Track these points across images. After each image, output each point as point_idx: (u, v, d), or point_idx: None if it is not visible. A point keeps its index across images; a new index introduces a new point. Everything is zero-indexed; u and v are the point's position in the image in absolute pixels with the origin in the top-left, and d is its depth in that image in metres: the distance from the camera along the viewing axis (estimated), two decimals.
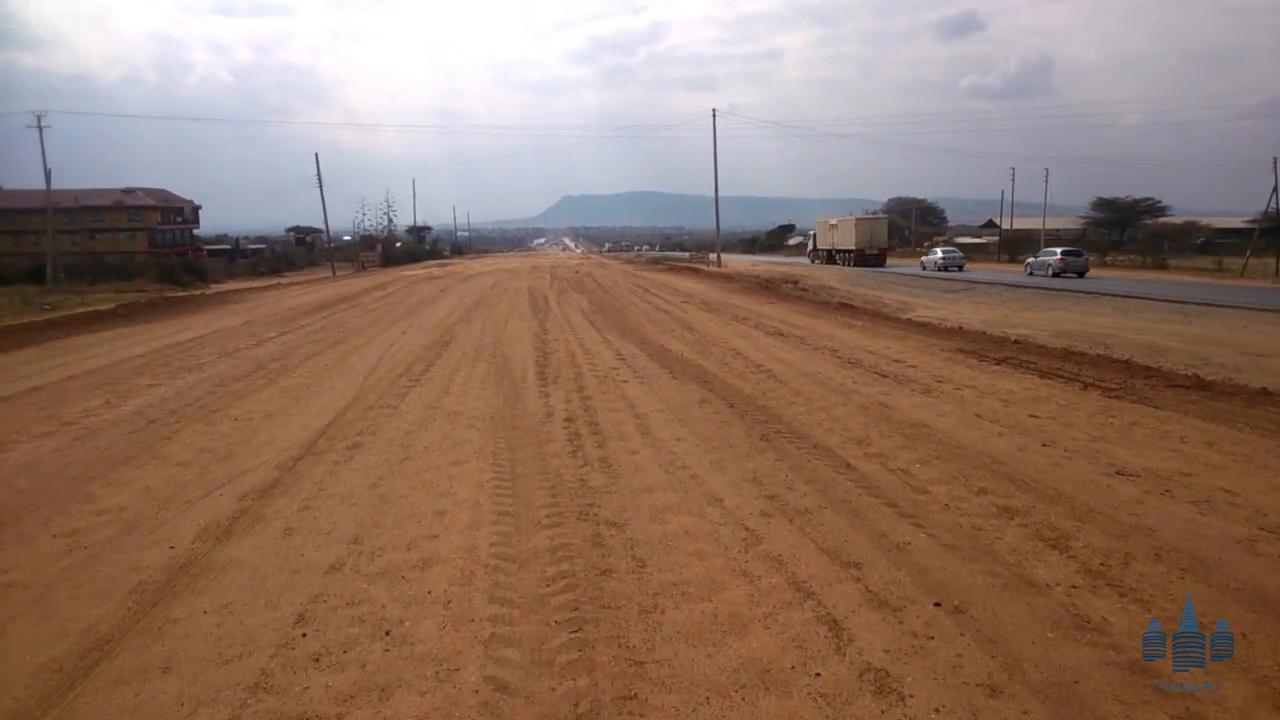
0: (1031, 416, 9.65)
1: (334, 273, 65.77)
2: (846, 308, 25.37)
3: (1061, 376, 12.32)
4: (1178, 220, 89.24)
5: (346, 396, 11.26)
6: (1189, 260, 60.63)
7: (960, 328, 19.24)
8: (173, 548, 5.77)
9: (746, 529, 5.89)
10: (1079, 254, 47.22)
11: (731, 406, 10.21)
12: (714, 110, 60.37)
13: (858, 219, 61.30)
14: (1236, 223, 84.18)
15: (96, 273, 49.82)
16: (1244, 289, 34.83)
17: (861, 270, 50.82)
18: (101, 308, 26.78)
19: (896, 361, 13.84)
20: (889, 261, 60.44)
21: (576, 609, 4.63)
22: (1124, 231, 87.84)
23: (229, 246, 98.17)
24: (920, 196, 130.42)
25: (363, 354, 15.59)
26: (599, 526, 5.96)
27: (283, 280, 54.17)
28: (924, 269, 52.90)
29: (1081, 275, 43.36)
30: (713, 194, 62.11)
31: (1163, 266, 55.13)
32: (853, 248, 58.20)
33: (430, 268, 64.71)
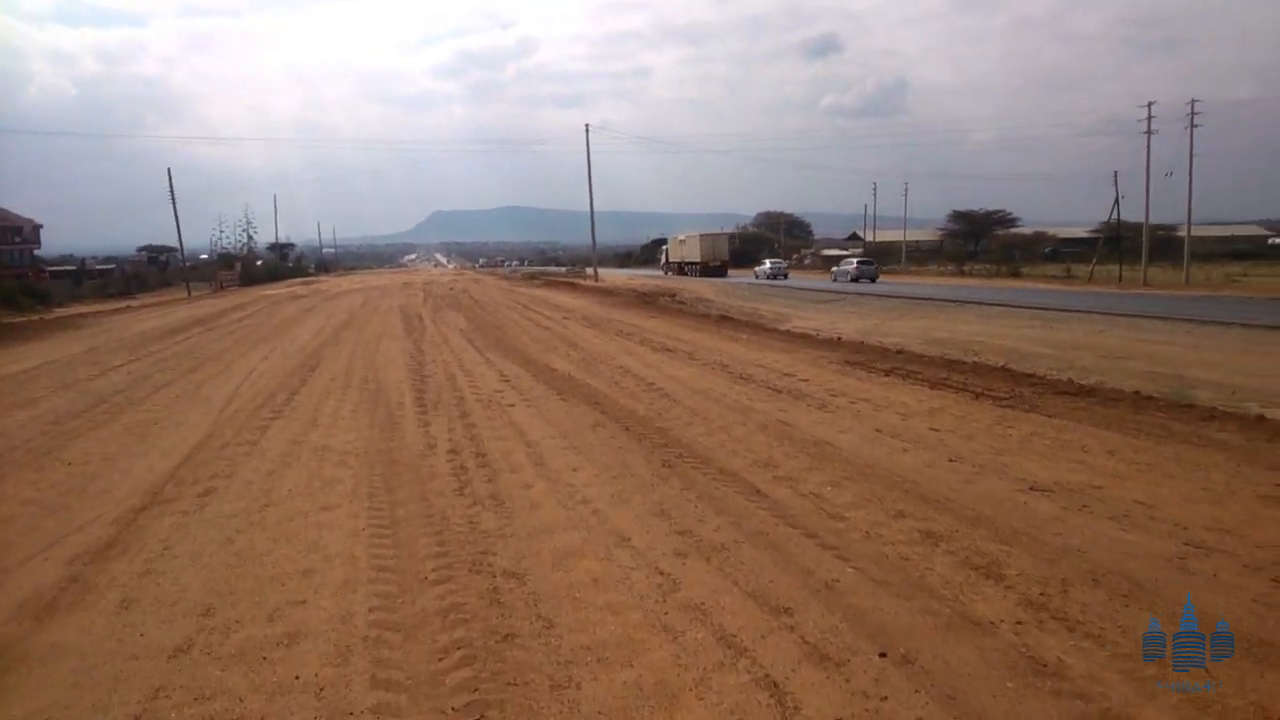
0: (932, 430, 9.46)
1: (189, 293, 62.20)
2: (727, 320, 25.31)
3: (950, 386, 12.31)
4: (1027, 231, 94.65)
5: (200, 432, 10.11)
6: (1039, 268, 64.31)
7: (839, 338, 19.35)
8: None
9: (661, 573, 5.30)
10: (870, 263, 57.17)
11: (627, 429, 9.63)
12: (587, 125, 60.25)
13: (702, 235, 68.85)
14: (1080, 232, 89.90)
15: None
16: (1092, 295, 36.99)
17: (735, 283, 52.94)
18: None
19: (788, 375, 13.59)
20: (733, 272, 66.21)
21: (476, 689, 3.91)
22: (978, 242, 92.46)
23: (75, 267, 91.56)
24: (788, 211, 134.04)
25: (219, 382, 14.28)
26: (495, 579, 5.25)
27: (133, 303, 50.70)
28: (756, 277, 59.80)
29: (873, 280, 51.64)
30: (587, 209, 61.75)
31: (1016, 275, 58.23)
32: (698, 260, 66.21)
33: (294, 286, 61.78)
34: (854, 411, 10.55)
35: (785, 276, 59.92)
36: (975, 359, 15.32)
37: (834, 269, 61.38)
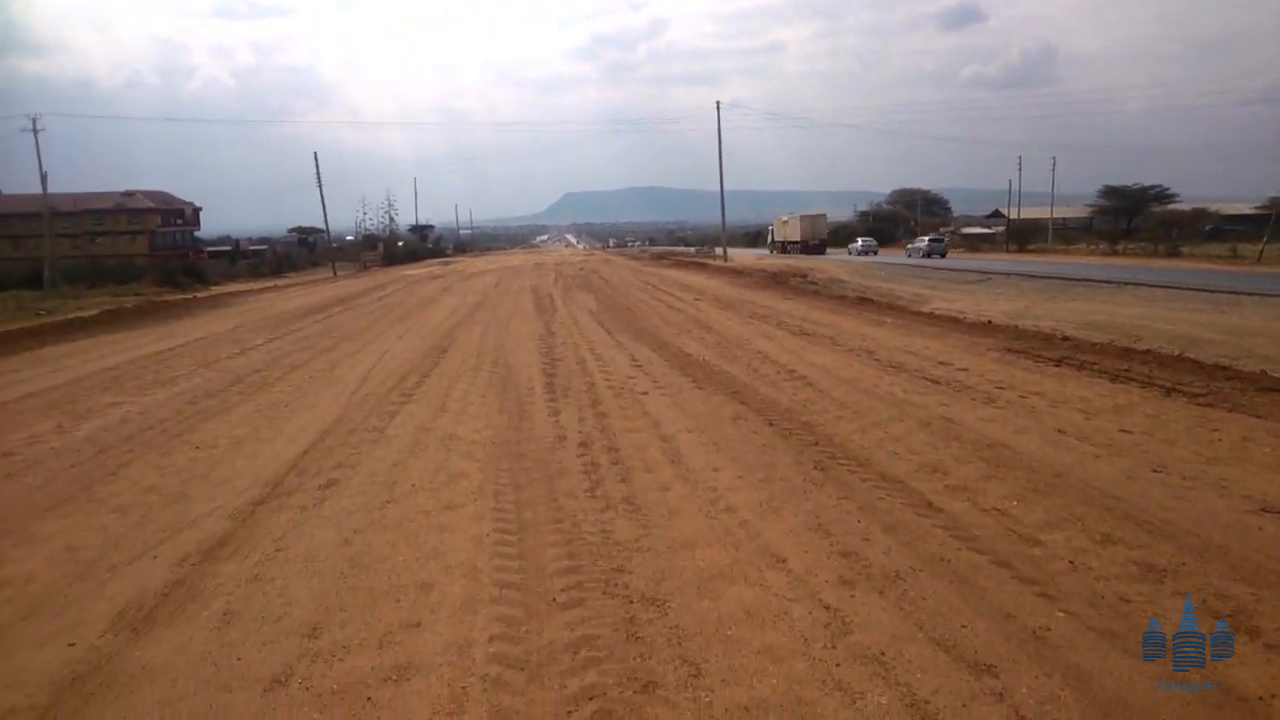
0: (1123, 432, 8.24)
1: (335, 273, 64.53)
2: (866, 302, 23.99)
3: (1133, 379, 10.91)
4: (1186, 207, 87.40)
5: (329, 416, 9.88)
6: (1200, 247, 59.15)
7: (989, 322, 17.84)
8: (72, 645, 4.38)
9: (826, 607, 4.49)
10: (940, 239, 63.86)
11: (770, 424, 8.80)
12: (718, 102, 59.08)
13: (802, 216, 74.41)
14: (1245, 209, 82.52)
15: (95, 276, 48.75)
16: (1262, 276, 33.39)
17: (868, 261, 52.74)
18: (86, 314, 25.44)
19: (943, 364, 12.42)
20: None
21: None
22: (1132, 219, 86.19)
23: (230, 248, 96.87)
24: (925, 187, 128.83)
25: (353, 363, 14.21)
26: (632, 605, 4.56)
27: (280, 282, 52.85)
28: (850, 254, 64.69)
29: (943, 256, 56.45)
30: (717, 188, 60.66)
31: (1175, 254, 53.73)
32: (799, 239, 71.11)
33: (432, 266, 63.36)
34: (1027, 408, 9.38)
35: (875, 253, 65.20)
36: (1143, 346, 13.75)
37: (908, 246, 67.02)
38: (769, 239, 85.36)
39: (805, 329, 17.04)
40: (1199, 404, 9.46)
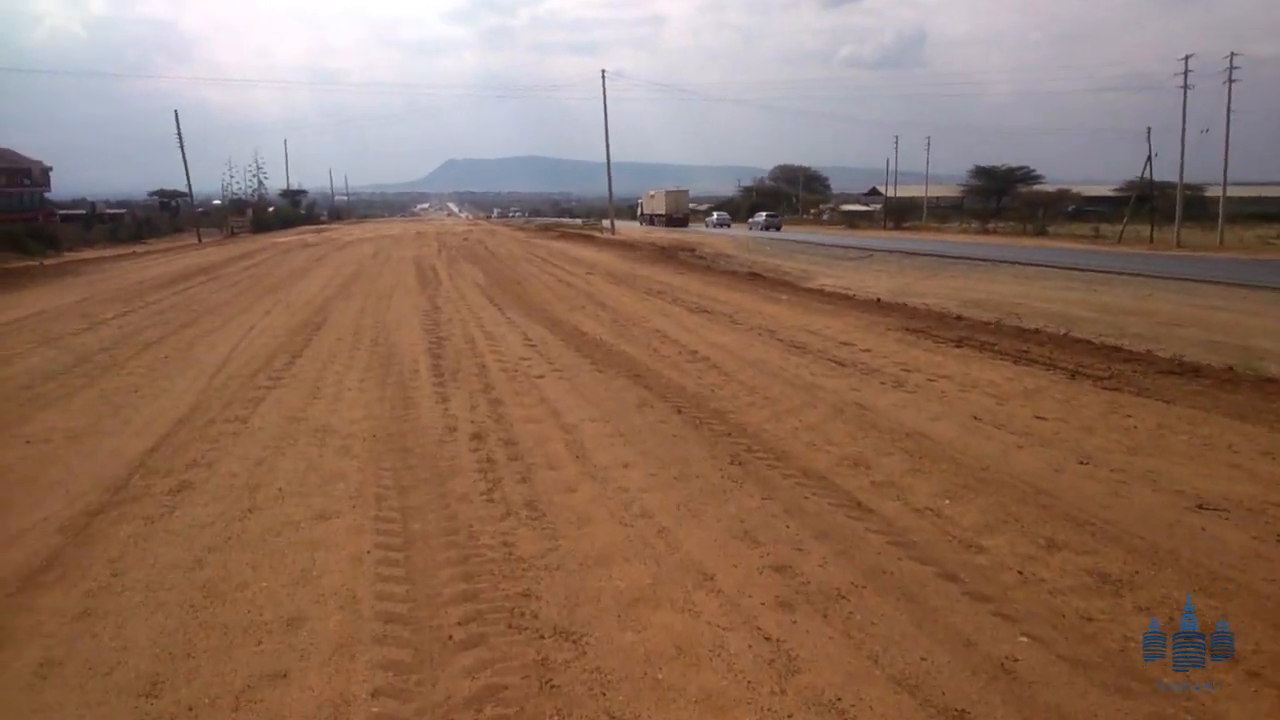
0: (1038, 418, 8.04)
1: (200, 239, 60.76)
2: (758, 278, 23.91)
3: (1036, 361, 10.87)
4: (1050, 188, 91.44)
5: (184, 404, 8.76)
6: (1065, 227, 62.04)
7: (878, 300, 17.87)
8: None
9: (767, 638, 3.92)
10: (776, 216, 73.40)
11: (679, 411, 8.23)
12: (603, 71, 58.08)
13: (667, 191, 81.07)
14: (1105, 190, 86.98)
15: None
16: (1124, 256, 35.19)
17: (757, 236, 54.20)
18: None
19: (846, 344, 12.15)
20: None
21: None
22: (1000, 199, 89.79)
23: (85, 211, 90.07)
24: (806, 164, 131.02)
25: (214, 341, 12.93)
26: (543, 642, 3.87)
27: (140, 249, 49.26)
28: (706, 226, 73.53)
29: (778, 230, 63.74)
30: (602, 159, 59.82)
31: (1042, 234, 56.11)
32: (664, 212, 76.15)
33: (305, 234, 60.37)
34: (937, 392, 9.11)
35: (728, 226, 72.90)
36: (1030, 325, 14.11)
37: (750, 221, 75.03)
38: (638, 212, 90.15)
39: (703, 305, 16.59)
40: (1105, 388, 9.40)
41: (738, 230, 66.40)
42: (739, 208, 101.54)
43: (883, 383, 9.60)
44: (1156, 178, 54.23)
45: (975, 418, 8.04)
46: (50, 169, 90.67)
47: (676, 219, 74.37)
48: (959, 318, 15.22)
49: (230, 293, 20.42)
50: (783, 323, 14.32)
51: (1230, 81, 48.12)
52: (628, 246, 39.07)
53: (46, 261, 33.99)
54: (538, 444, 7.14)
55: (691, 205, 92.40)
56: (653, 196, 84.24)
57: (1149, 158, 51.55)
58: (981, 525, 5.34)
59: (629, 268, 26.80)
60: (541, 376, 9.90)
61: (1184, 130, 47.95)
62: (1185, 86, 48.47)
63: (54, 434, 7.74)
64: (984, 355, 11.36)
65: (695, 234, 55.97)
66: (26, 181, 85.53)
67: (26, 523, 5.51)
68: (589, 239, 48.29)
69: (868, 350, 11.70)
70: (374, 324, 14.37)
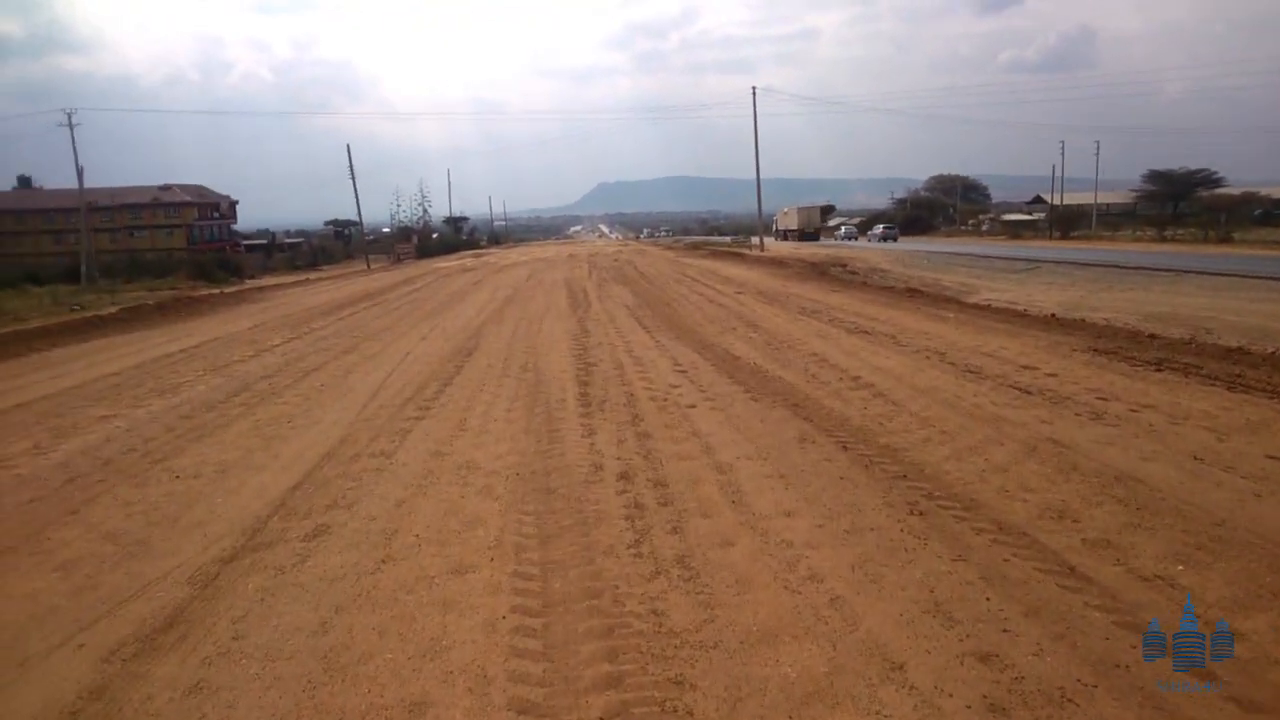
0: (1271, 458, 6.79)
1: (368, 265, 63.97)
2: (916, 294, 22.56)
3: (1254, 388, 9.40)
4: (1234, 191, 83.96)
5: (333, 436, 8.65)
6: (1251, 232, 56.50)
7: (1052, 316, 16.37)
8: None
9: None
10: (893, 228, 78.32)
11: (844, 448, 7.44)
12: (754, 88, 57.53)
13: (799, 208, 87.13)
14: None
15: (133, 270, 48.65)
16: None
17: (907, 250, 51.66)
18: (103, 312, 24.59)
19: (1027, 368, 10.97)
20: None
21: None
22: (1178, 204, 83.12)
23: (266, 241, 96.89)
24: (963, 174, 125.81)
25: (371, 367, 13.03)
26: None
27: (312, 275, 52.23)
28: (835, 240, 78.41)
29: (895, 240, 68.57)
30: (750, 176, 59.12)
31: (1227, 240, 51.21)
32: (795, 228, 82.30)
33: (465, 259, 62.41)
34: (1144, 425, 7.92)
35: (855, 239, 77.23)
36: (1217, 340, 12.70)
37: (869, 233, 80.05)
38: (774, 227, 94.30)
39: (861, 326, 15.60)
40: None
41: (862, 242, 70.22)
42: (894, 219, 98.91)
43: (1078, 414, 8.46)
44: None
45: (1196, 457, 6.86)
46: (237, 203, 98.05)
47: (808, 233, 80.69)
48: (1152, 336, 13.62)
49: (391, 318, 20.91)
50: (953, 344, 13.18)
51: None
52: (777, 264, 38.11)
53: (227, 289, 36.22)
54: (689, 486, 6.53)
55: (841, 219, 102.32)
56: (786, 214, 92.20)
57: None
58: (1230, 600, 4.34)
59: (780, 285, 25.93)
60: (693, 406, 9.30)
61: None
62: None
63: (204, 468, 7.73)
64: (1190, 380, 9.96)
65: (848, 249, 54.28)
66: (216, 215, 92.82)
67: (159, 570, 5.33)
68: (738, 257, 47.58)
69: (1054, 375, 10.50)
70: (524, 349, 14.18)
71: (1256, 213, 74.70)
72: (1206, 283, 23.93)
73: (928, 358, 12.00)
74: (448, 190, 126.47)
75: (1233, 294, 20.43)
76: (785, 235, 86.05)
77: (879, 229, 78.53)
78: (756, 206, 65.50)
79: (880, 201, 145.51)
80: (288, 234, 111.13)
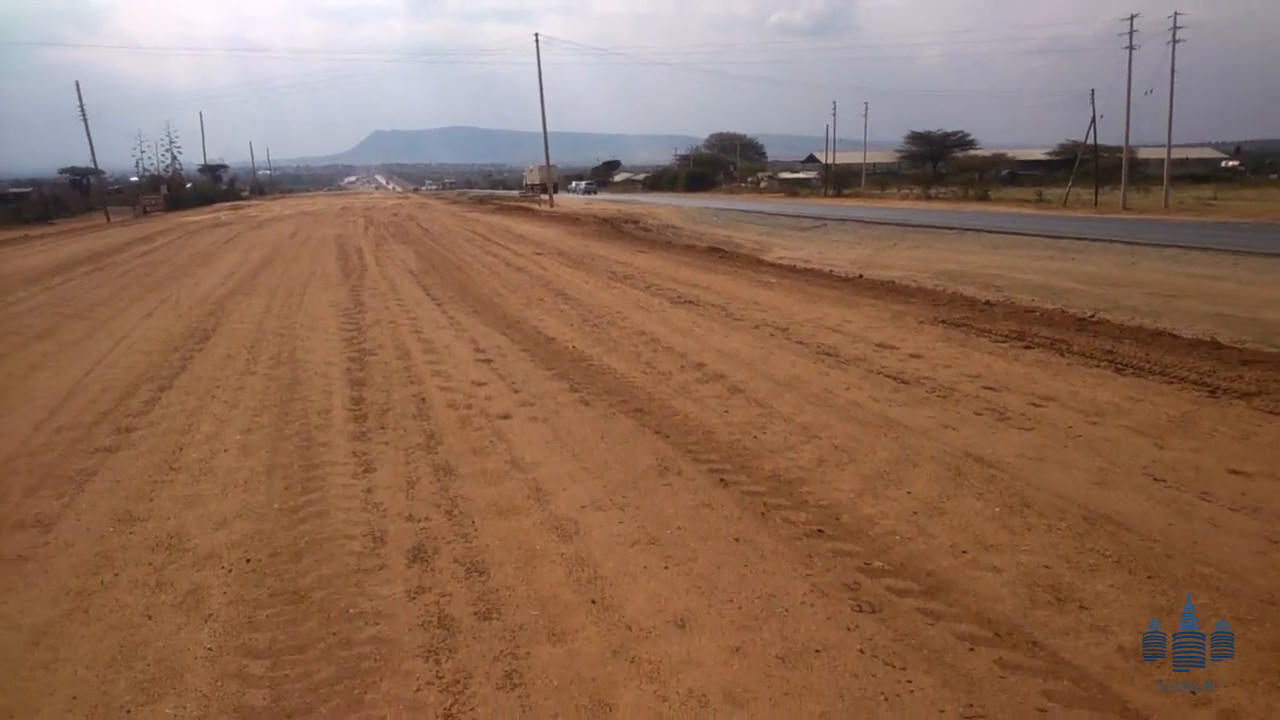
0: (1235, 473, 5.52)
1: (108, 219, 55.91)
2: (720, 254, 21.59)
3: (1147, 370, 8.41)
4: (986, 152, 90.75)
5: None
6: (1004, 191, 61.04)
7: (860, 276, 15.97)
8: None
9: None
10: (594, 183, 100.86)
11: (723, 481, 5.49)
12: (536, 35, 54.82)
13: (539, 167, 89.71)
14: (1038, 154, 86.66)
15: None
16: (1076, 220, 34.10)
17: (695, 207, 51.27)
18: None
19: (885, 347, 9.57)
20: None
21: None
22: (936, 164, 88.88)
23: None
24: (741, 132, 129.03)
25: (65, 362, 9.77)
26: None
27: (30, 233, 44.61)
28: (570, 193, 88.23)
29: (595, 194, 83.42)
30: (535, 129, 56.72)
31: (984, 199, 54.88)
32: (538, 183, 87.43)
33: (220, 212, 55.85)
34: (1062, 429, 6.54)
35: (595, 193, 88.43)
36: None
37: (571, 185, 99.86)
38: (524, 184, 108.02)
39: (683, 294, 13.83)
40: (1267, 411, 6.96)
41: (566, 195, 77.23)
42: (677, 176, 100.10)
43: (977, 413, 6.99)
44: (1082, 140, 53.11)
45: (1154, 478, 5.47)
46: None
47: (546, 188, 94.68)
48: (989, 303, 12.82)
49: (112, 288, 16.95)
50: (789, 316, 11.66)
51: (1174, 41, 46.72)
52: (571, 220, 36.11)
53: None
54: (521, 569, 4.33)
55: (575, 177, 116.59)
56: (530, 171, 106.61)
57: (1093, 120, 50.08)
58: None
59: (581, 245, 23.89)
60: (507, 417, 7.05)
61: (1129, 91, 46.51)
62: (1131, 47, 46.86)
63: None
64: (1069, 361, 8.86)
65: (640, 205, 53.03)
66: None
67: None
68: (529, 212, 45.13)
69: (918, 356, 9.13)
70: (279, 330, 11.29)
71: (1004, 173, 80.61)
72: (984, 240, 25.02)
73: (771, 335, 10.36)
74: (201, 136, 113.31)
75: (1013, 252, 21.45)
76: (529, 189, 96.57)
77: (580, 184, 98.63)
78: (544, 159, 62.89)
79: (664, 157, 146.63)
80: (16, 183, 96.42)
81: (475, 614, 3.89)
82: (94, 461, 6.18)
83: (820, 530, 4.72)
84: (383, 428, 6.81)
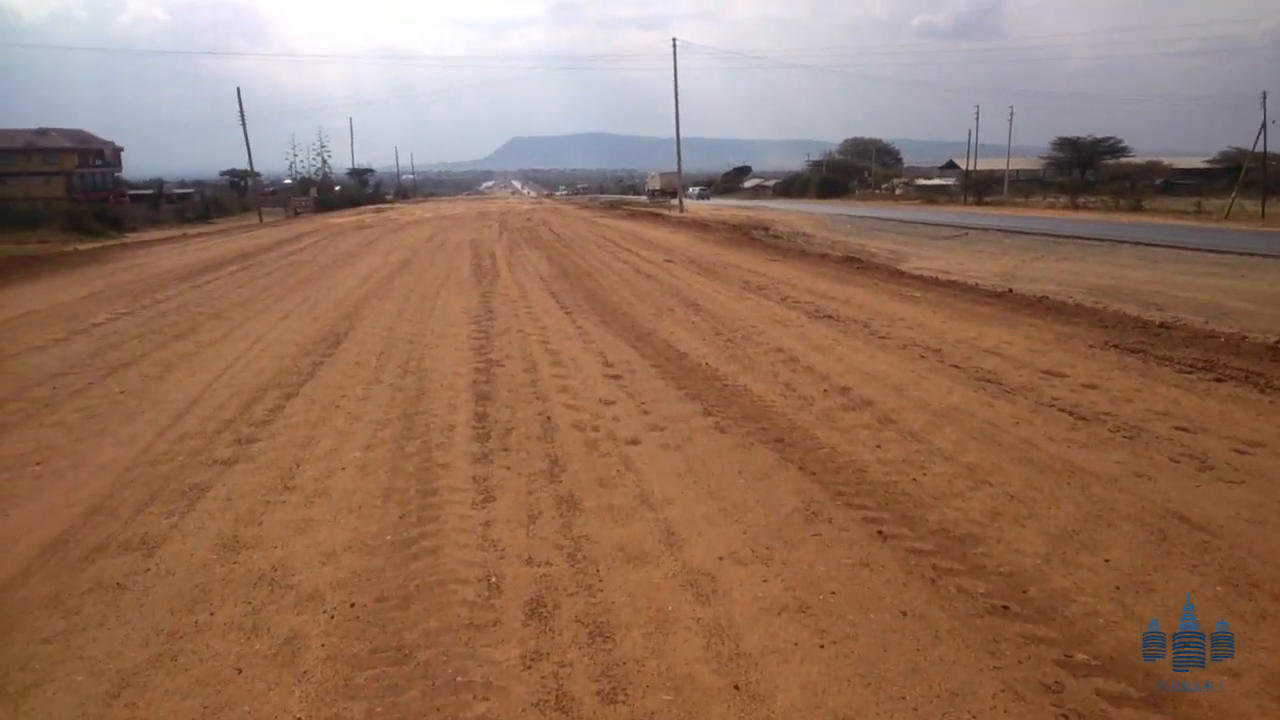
0: None
1: (261, 219, 58.91)
2: (857, 263, 20.46)
3: None
4: (1139, 160, 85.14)
5: (82, 501, 5.57)
6: (1159, 202, 56.82)
7: (1010, 291, 14.99)
8: None
9: None
10: (706, 187, 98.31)
11: (881, 534, 4.78)
12: (674, 39, 54.59)
13: (661, 173, 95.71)
14: (1196, 162, 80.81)
15: (2, 221, 42.77)
16: (1241, 234, 30.86)
17: (828, 214, 49.45)
18: None
19: (1053, 375, 8.58)
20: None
21: None
22: (1085, 172, 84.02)
23: (153, 191, 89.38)
24: (876, 137, 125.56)
25: (199, 364, 9.83)
26: None
27: (199, 229, 47.34)
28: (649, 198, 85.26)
29: (707, 199, 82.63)
30: (666, 135, 56.53)
31: (1138, 209, 51.26)
32: (659, 188, 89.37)
33: (364, 214, 57.93)
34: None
35: (707, 198, 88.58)
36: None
37: (687, 191, 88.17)
38: (647, 188, 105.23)
39: (821, 308, 13.03)
40: None
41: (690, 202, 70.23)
42: (809, 182, 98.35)
43: (1173, 459, 6.01)
44: (1247, 147, 48.80)
45: None
46: (122, 149, 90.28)
47: (669, 192, 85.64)
48: (1164, 326, 11.50)
49: (255, 287, 17.41)
50: (940, 334, 10.73)
51: None
52: (701, 227, 35.51)
53: (82, 246, 31.66)
54: (651, 636, 3.75)
55: (696, 183, 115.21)
56: (653, 177, 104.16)
57: (1263, 125, 45.92)
58: None
59: (712, 253, 23.27)
60: (635, 442, 6.52)
61: None
62: None
63: None
64: (1270, 398, 7.69)
65: (770, 211, 52.01)
66: (99, 162, 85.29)
67: None
68: (658, 218, 44.78)
69: (1092, 386, 8.10)
70: (409, 337, 11.14)
71: (1158, 182, 75.45)
72: (1140, 253, 23.25)
73: (922, 356, 9.49)
74: (350, 140, 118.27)
75: (1173, 266, 19.76)
76: (652, 194, 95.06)
77: (695, 189, 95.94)
78: (676, 165, 62.60)
79: (795, 163, 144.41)
80: (182, 184, 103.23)
81: (599, 693, 3.33)
82: (210, 475, 5.97)
83: (1005, 607, 3.96)
84: (505, 449, 6.39)
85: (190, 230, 45.95)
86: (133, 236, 40.41)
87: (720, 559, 4.49)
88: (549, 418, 7.21)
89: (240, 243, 32.99)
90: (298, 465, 6.13)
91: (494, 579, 4.29)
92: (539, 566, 4.43)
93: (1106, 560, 4.44)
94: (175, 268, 22.71)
